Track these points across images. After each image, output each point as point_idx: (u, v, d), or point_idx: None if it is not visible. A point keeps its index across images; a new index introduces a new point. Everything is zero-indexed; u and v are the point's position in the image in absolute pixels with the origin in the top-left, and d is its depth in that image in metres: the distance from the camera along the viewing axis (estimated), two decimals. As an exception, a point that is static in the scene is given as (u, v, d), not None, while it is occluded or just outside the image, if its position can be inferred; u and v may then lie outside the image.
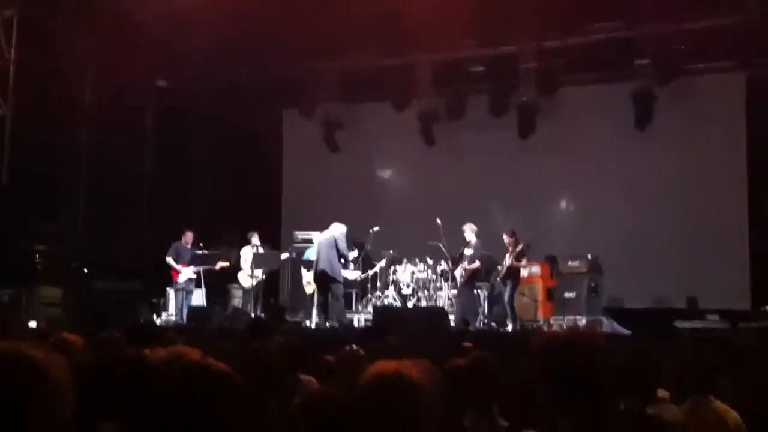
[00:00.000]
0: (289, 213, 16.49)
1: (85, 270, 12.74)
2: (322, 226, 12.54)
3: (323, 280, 11.99)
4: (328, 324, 11.79)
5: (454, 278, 12.51)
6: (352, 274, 12.71)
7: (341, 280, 12.06)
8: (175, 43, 14.08)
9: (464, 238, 12.46)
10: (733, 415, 4.07)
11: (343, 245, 11.99)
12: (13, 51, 13.06)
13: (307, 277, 13.01)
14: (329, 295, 11.93)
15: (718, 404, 4.11)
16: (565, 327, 10.98)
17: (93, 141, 13.71)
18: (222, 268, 12.94)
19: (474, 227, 12.47)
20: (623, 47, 13.58)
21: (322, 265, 11.97)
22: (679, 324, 10.74)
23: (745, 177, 13.37)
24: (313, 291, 12.66)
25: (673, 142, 13.83)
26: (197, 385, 2.13)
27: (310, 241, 13.18)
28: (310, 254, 12.84)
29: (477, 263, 12.13)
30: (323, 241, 12.10)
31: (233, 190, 15.63)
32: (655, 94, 13.36)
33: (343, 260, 12.13)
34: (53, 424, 2.10)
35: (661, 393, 4.13)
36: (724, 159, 13.55)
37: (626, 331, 11.01)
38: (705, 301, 12.10)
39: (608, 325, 11.35)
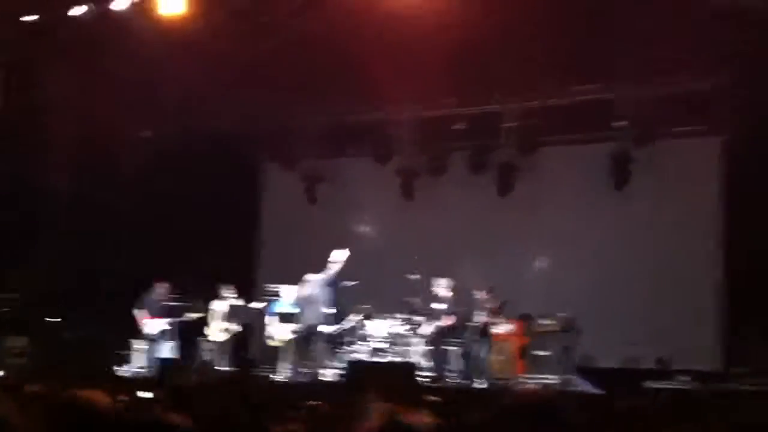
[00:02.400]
0: (267, 265, 16.37)
1: (52, 320, 12.59)
2: (297, 280, 12.48)
3: (311, 334, 12.09)
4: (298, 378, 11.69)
5: (428, 333, 12.38)
6: (327, 328, 12.61)
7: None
8: (155, 95, 14.19)
9: (437, 293, 12.39)
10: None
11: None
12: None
13: (274, 330, 12.84)
14: (309, 349, 11.92)
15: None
16: (536, 386, 10.90)
17: (68, 188, 13.67)
18: (194, 320, 12.80)
19: (449, 282, 12.42)
20: (602, 109, 13.76)
21: (314, 320, 12.11)
22: (650, 384, 10.66)
23: (721, 238, 13.39)
24: (279, 344, 12.56)
25: (649, 203, 13.91)
26: None
27: (277, 294, 13.11)
28: (280, 307, 12.78)
29: (452, 319, 12.06)
30: (308, 295, 12.14)
31: (208, 242, 15.51)
32: (633, 155, 13.49)
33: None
34: None
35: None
36: (699, 221, 13.59)
37: (598, 391, 10.91)
38: (677, 362, 12.04)
39: (580, 384, 11.26)
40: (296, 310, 12.62)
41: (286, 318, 12.69)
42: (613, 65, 13.21)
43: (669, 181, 13.84)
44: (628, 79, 13.35)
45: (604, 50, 12.99)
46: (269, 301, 13.16)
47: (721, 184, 13.52)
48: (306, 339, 12.26)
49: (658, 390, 10.24)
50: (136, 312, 12.52)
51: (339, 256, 12.35)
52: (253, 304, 13.29)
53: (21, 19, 12.63)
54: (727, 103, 12.80)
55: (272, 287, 13.49)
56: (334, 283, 12.39)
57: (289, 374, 12.12)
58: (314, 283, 12.39)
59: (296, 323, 12.47)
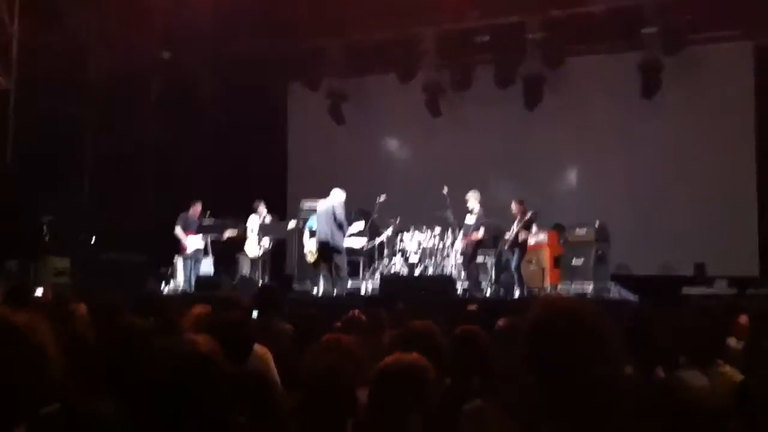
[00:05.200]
0: (295, 183, 16.52)
1: (93, 241, 12.76)
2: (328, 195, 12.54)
3: (325, 250, 11.95)
4: (334, 292, 11.82)
5: (460, 246, 12.51)
6: (359, 242, 12.72)
7: (342, 249, 12.00)
8: (179, 16, 14.04)
9: (468, 207, 12.45)
10: (741, 379, 4.06)
11: (340, 213, 11.82)
12: (15, 25, 12.99)
13: (309, 245, 12.99)
14: (332, 264, 11.93)
15: (727, 368, 4.09)
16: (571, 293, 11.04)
17: (97, 115, 13.67)
18: (230, 238, 12.95)
19: (478, 195, 12.42)
20: (630, 17, 13.50)
21: (322, 236, 11.89)
22: (687, 290, 10.77)
23: (754, 145, 13.37)
24: (315, 260, 12.67)
25: (680, 111, 13.81)
26: (192, 378, 2.22)
27: (315, 210, 13.16)
28: (313, 223, 12.84)
29: (483, 231, 12.12)
30: (322, 210, 12.00)
31: (239, 162, 15.63)
32: (663, 63, 13.30)
33: (341, 229, 12.06)
34: (39, 384, 2.20)
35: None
36: (732, 127, 13.52)
37: (633, 298, 11.05)
38: (713, 268, 12.14)
39: (616, 291, 11.39)
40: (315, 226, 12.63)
41: (313, 233, 12.77)
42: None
43: (700, 88, 13.72)
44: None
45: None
46: (305, 217, 13.26)
47: (753, 89, 13.40)
48: (324, 254, 12.17)
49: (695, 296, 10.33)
50: (177, 230, 12.67)
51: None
52: (289, 223, 13.36)
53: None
54: (760, 6, 12.56)
55: (307, 203, 13.59)
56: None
57: (323, 288, 12.26)
58: (326, 201, 12.22)
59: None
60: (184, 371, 2.23)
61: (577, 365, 2.27)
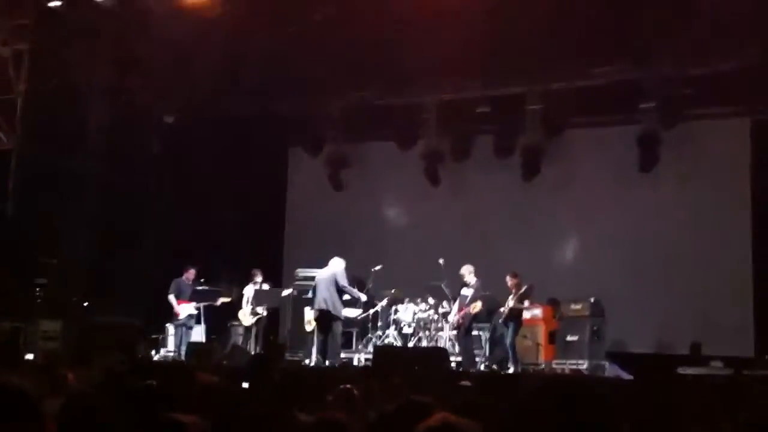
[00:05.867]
0: (292, 251, 16.47)
1: (85, 304, 12.70)
2: (325, 264, 12.50)
3: (323, 318, 11.90)
4: (326, 363, 11.72)
5: (454, 319, 12.40)
6: (353, 312, 12.64)
7: (342, 318, 12.00)
8: (181, 79, 14.22)
9: (464, 278, 12.39)
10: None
11: (344, 281, 11.93)
12: (22, 84, 13.17)
13: (308, 315, 12.95)
14: (329, 333, 11.86)
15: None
16: (567, 370, 10.91)
17: (98, 174, 13.75)
18: (223, 304, 12.89)
19: (472, 268, 12.38)
20: (629, 91, 13.61)
21: (322, 304, 11.88)
22: (682, 370, 10.63)
23: (749, 222, 13.32)
24: (313, 329, 12.60)
25: (677, 186, 13.84)
26: None
27: (312, 278, 13.11)
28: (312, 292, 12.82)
29: (479, 304, 12.04)
30: (322, 278, 12.03)
31: (235, 227, 15.62)
32: (661, 137, 13.37)
33: (348, 296, 12.10)
34: None
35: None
36: (728, 203, 13.54)
37: (628, 376, 10.89)
38: (708, 348, 12.00)
39: (611, 369, 11.25)
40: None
41: (311, 302, 12.75)
42: (640, 46, 13.11)
43: (697, 163, 13.76)
44: (654, 60, 13.21)
45: (631, 31, 12.94)
46: (302, 287, 13.21)
47: (750, 165, 13.43)
48: (323, 323, 12.13)
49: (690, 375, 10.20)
50: (170, 296, 12.62)
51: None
52: (284, 291, 13.33)
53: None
54: (757, 83, 12.66)
55: (302, 272, 13.56)
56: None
57: (318, 359, 12.16)
58: (326, 269, 12.27)
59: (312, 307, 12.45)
60: None
61: None
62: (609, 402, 2.42)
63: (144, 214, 14.40)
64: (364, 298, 12.52)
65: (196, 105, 15.06)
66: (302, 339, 13.02)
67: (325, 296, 11.86)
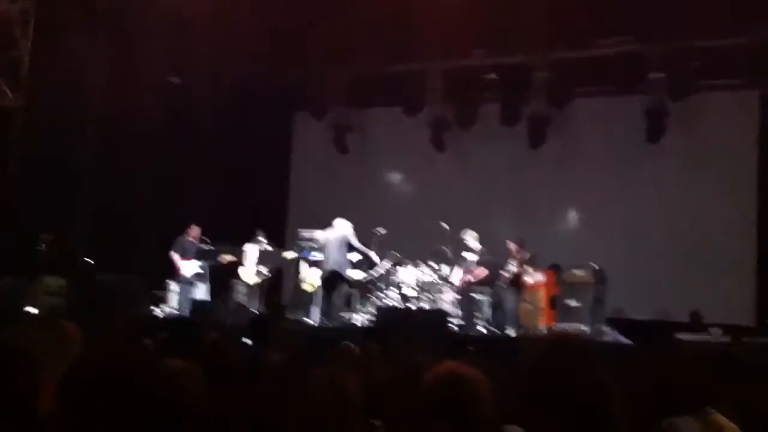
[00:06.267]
0: (296, 212, 16.55)
1: (89, 261, 12.73)
2: (328, 226, 12.55)
3: (333, 279, 11.97)
4: (328, 323, 11.81)
5: (457, 282, 12.46)
6: (357, 274, 12.70)
7: (350, 280, 12.10)
8: (188, 43, 14.16)
9: (466, 244, 12.43)
10: (733, 427, 3.99)
11: (357, 242, 12.08)
12: (29, 43, 13.12)
13: (307, 275, 13.02)
14: (333, 294, 11.95)
15: (718, 417, 4.03)
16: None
17: (102, 135, 13.72)
18: (229, 263, 12.94)
19: (475, 234, 12.42)
20: (637, 61, 13.57)
21: (332, 265, 11.96)
22: (681, 336, 10.68)
23: (755, 194, 13.34)
24: (313, 290, 12.70)
25: (684, 157, 13.83)
26: None
27: (313, 239, 13.18)
28: (315, 253, 12.87)
29: (483, 269, 12.11)
30: (332, 239, 12.09)
31: (240, 188, 15.66)
32: (669, 108, 13.34)
33: (361, 256, 12.30)
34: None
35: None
36: (734, 175, 13.53)
37: (628, 341, 10.95)
38: (709, 316, 12.05)
39: (611, 335, 11.31)
40: (321, 256, 12.68)
41: (315, 263, 12.85)
42: (650, 16, 13.05)
43: (705, 135, 13.75)
44: (664, 31, 13.15)
45: (640, 1, 12.87)
46: (303, 247, 13.28)
47: (758, 138, 13.42)
48: (331, 284, 12.22)
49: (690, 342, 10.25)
50: (172, 254, 12.66)
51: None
52: (287, 253, 13.38)
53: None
54: (764, 55, 12.62)
55: (305, 233, 13.60)
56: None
57: (319, 319, 12.24)
58: (334, 231, 12.31)
59: (322, 269, 12.54)
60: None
61: (585, 405, 2.29)
62: (605, 364, 2.43)
63: (148, 175, 14.38)
64: (377, 257, 12.56)
65: (200, 67, 14.99)
66: (303, 299, 13.07)
67: (336, 257, 11.93)
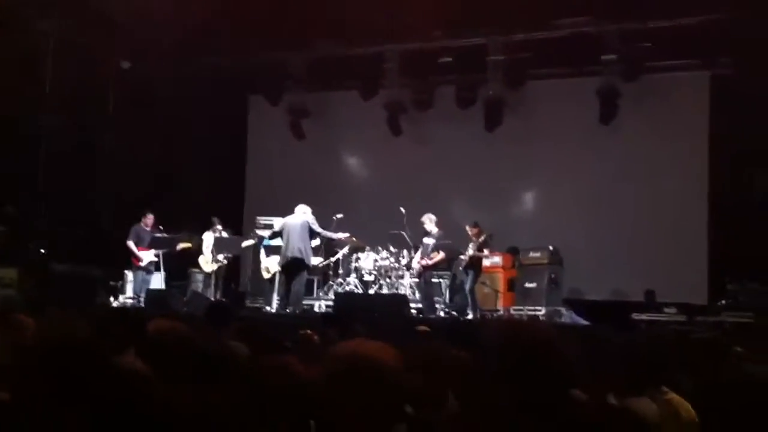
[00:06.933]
0: (252, 199, 16.41)
1: (42, 251, 12.53)
2: (285, 213, 12.46)
3: (295, 265, 11.81)
4: (288, 310, 11.74)
5: (415, 266, 12.50)
6: (316, 260, 12.66)
7: (311, 266, 12.02)
8: (140, 25, 13.89)
9: (424, 228, 12.46)
10: (686, 407, 4.05)
11: (318, 227, 11.95)
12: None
13: (266, 262, 12.94)
14: (293, 280, 11.85)
15: (672, 396, 4.09)
16: (524, 317, 11.07)
17: (54, 122, 13.46)
18: (183, 250, 12.81)
19: (433, 217, 12.44)
20: (590, 43, 13.62)
21: (294, 252, 11.79)
22: (637, 316, 10.86)
23: (706, 174, 13.56)
24: (272, 276, 12.62)
25: (636, 138, 13.98)
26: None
27: (271, 226, 13.05)
28: (272, 239, 12.78)
29: (441, 253, 12.13)
30: (293, 225, 11.92)
31: (195, 175, 15.46)
32: (621, 90, 13.47)
33: (320, 239, 12.24)
34: None
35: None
36: (686, 155, 13.73)
37: (585, 322, 11.11)
38: (663, 295, 12.26)
39: (567, 316, 11.46)
40: (279, 243, 12.58)
41: (274, 250, 12.74)
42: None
43: (656, 116, 13.92)
44: (616, 12, 13.24)
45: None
46: (261, 235, 13.18)
47: (708, 118, 13.62)
48: (291, 271, 12.16)
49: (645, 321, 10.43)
50: (129, 243, 12.50)
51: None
52: (247, 240, 13.27)
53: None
54: (717, 37, 12.78)
55: (263, 220, 13.51)
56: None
57: (279, 306, 12.19)
58: (294, 217, 12.24)
59: (281, 255, 12.46)
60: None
61: (545, 387, 2.32)
62: (568, 350, 2.45)
63: (102, 161, 14.16)
64: (346, 235, 12.49)
65: (154, 51, 14.75)
66: (262, 286, 13.01)
67: (298, 244, 11.76)
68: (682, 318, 10.77)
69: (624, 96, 13.43)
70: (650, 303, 11.94)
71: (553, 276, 11.81)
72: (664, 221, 13.48)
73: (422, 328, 8.61)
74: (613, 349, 4.31)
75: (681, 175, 13.67)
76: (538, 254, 12.08)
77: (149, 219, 12.72)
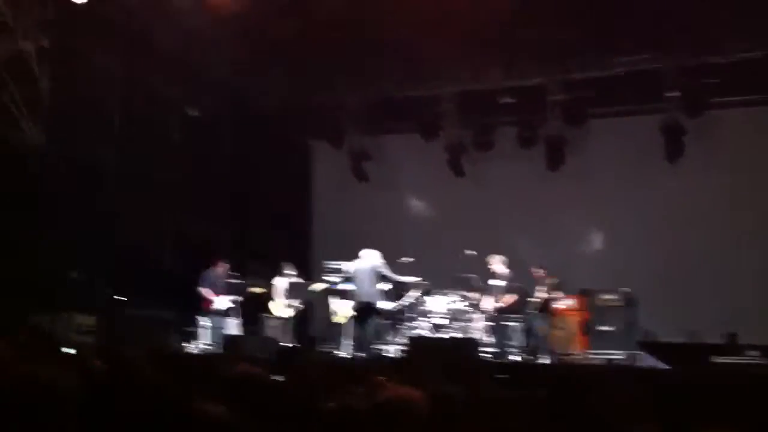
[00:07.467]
0: (320, 243, 16.50)
1: (118, 298, 12.69)
2: (351, 257, 12.55)
3: (366, 310, 11.96)
4: (360, 354, 11.77)
5: (488, 310, 12.44)
6: (387, 304, 12.69)
7: (381, 312, 12.10)
8: (202, 72, 14.17)
9: (492, 270, 12.42)
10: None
11: (389, 272, 12.06)
12: (46, 79, 13.10)
13: (337, 306, 13.02)
14: (365, 325, 11.93)
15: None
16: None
17: (123, 167, 13.70)
18: (255, 297, 12.92)
19: (504, 258, 12.44)
20: (652, 80, 13.62)
21: (365, 296, 11.95)
22: (717, 359, 10.65)
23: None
24: (345, 321, 12.68)
25: (704, 174, 13.84)
26: None
27: (339, 270, 13.13)
28: (345, 284, 12.85)
29: (515, 296, 12.10)
30: (363, 269, 12.06)
31: (260, 221, 15.62)
32: (685, 126, 13.40)
33: (391, 283, 12.31)
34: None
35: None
36: (757, 191, 13.53)
37: (665, 366, 10.93)
38: (744, 337, 12.03)
39: (645, 359, 11.30)
40: (352, 287, 12.67)
41: (345, 295, 12.82)
42: (663, 34, 13.11)
43: (723, 152, 13.78)
44: (678, 48, 13.22)
45: (655, 18, 12.92)
46: (331, 280, 13.24)
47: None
48: (364, 315, 12.24)
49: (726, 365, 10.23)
50: (201, 288, 12.64)
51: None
52: (318, 285, 13.34)
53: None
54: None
55: (332, 264, 13.57)
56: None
57: (351, 350, 12.20)
58: (364, 261, 12.31)
59: (353, 300, 12.53)
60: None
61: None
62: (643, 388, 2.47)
63: (170, 209, 14.36)
64: (416, 279, 12.53)
65: (216, 98, 15.01)
66: (333, 330, 13.05)
67: (368, 289, 11.92)
68: (765, 361, 10.53)
69: (690, 132, 13.35)
70: (731, 345, 11.71)
71: (629, 318, 11.68)
72: (741, 258, 13.27)
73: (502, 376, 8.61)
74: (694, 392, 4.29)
75: (754, 210, 13.46)
76: (612, 296, 11.97)
77: (221, 266, 12.86)
